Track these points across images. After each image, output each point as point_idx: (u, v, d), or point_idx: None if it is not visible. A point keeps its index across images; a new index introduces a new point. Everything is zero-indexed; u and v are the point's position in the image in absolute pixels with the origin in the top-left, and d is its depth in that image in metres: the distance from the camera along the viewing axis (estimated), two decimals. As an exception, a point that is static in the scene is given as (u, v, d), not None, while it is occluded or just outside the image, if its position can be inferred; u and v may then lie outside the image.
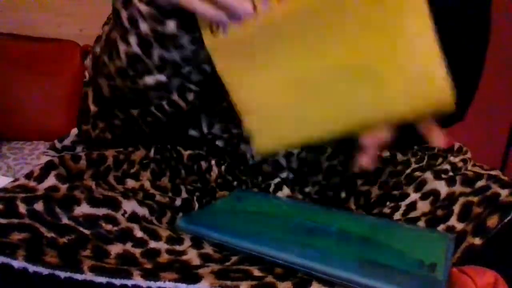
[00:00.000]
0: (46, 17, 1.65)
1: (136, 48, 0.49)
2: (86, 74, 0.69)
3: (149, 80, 0.52)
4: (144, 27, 0.48)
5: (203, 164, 0.60)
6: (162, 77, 0.51)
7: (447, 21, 0.60)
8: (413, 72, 0.37)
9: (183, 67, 0.52)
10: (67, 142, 0.60)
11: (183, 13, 0.44)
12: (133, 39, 0.49)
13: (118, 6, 0.50)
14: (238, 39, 0.42)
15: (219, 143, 0.58)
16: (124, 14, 0.49)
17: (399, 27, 0.37)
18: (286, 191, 0.56)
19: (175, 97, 0.54)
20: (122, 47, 0.50)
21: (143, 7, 0.47)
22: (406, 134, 0.63)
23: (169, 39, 0.49)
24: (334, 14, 0.38)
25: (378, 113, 0.40)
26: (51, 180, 0.45)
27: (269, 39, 0.42)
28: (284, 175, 0.57)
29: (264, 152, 0.47)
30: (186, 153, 0.61)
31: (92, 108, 0.60)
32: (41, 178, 0.45)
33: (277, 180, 0.56)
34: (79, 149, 0.61)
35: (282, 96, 0.43)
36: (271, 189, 0.56)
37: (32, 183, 0.45)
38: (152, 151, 0.59)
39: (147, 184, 0.53)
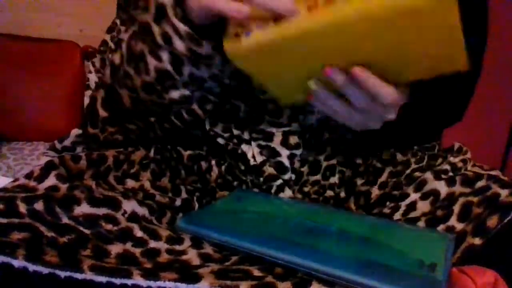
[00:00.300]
0: (46, 17, 1.64)
1: (167, 65, 0.49)
2: (90, 77, 0.69)
3: (175, 94, 0.52)
4: (179, 45, 0.47)
5: (203, 164, 0.60)
6: (186, 92, 0.52)
7: None
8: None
9: (207, 82, 0.52)
10: (67, 142, 0.60)
11: (219, 33, 0.44)
12: (165, 56, 0.49)
13: (147, 20, 0.49)
14: (261, 45, 0.42)
15: (220, 140, 0.58)
16: (156, 30, 0.48)
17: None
18: (288, 192, 0.56)
19: (194, 107, 0.54)
20: (152, 62, 0.50)
21: (181, 26, 0.46)
22: (406, 134, 0.63)
23: (203, 58, 0.49)
24: (368, 30, 0.39)
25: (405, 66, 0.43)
26: (51, 180, 0.45)
27: (297, 47, 0.41)
28: (286, 176, 0.57)
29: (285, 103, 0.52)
30: (186, 153, 0.61)
31: (101, 112, 0.59)
32: (41, 178, 0.45)
33: (279, 181, 0.56)
34: (79, 149, 0.61)
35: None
36: (272, 191, 0.56)
37: (32, 183, 0.45)
38: (152, 151, 0.59)
39: (147, 184, 0.53)
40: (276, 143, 0.56)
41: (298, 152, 0.56)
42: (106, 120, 0.59)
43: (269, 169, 0.56)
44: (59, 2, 1.64)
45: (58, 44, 1.59)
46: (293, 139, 0.56)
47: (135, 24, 0.53)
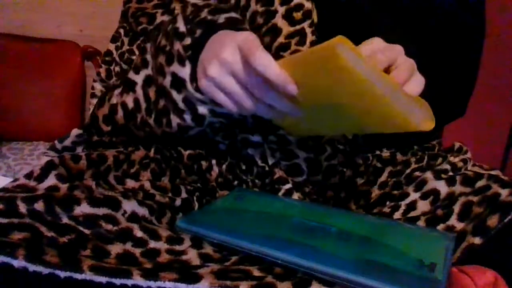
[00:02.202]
0: (46, 17, 1.64)
1: (190, 123, 0.52)
2: (95, 85, 0.69)
3: (191, 133, 0.55)
4: (202, 109, 0.50)
5: (203, 163, 0.60)
6: (201, 128, 0.54)
7: (443, 18, 0.61)
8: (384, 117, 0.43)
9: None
10: (67, 142, 0.60)
11: None
12: (188, 117, 0.51)
13: (163, 84, 0.51)
14: None
15: (221, 146, 0.59)
16: (177, 97, 0.50)
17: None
18: (295, 196, 0.56)
19: (206, 131, 0.57)
20: (175, 120, 0.52)
21: (202, 96, 0.49)
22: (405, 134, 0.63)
23: (224, 115, 0.51)
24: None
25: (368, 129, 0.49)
26: (51, 180, 0.45)
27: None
28: (299, 179, 0.56)
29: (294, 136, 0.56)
30: (186, 152, 0.61)
31: (105, 127, 0.60)
32: (41, 178, 0.45)
33: (288, 185, 0.56)
34: (79, 149, 0.61)
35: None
36: (280, 193, 0.55)
37: (32, 183, 0.45)
38: (152, 151, 0.59)
39: (147, 184, 0.53)
40: (293, 145, 0.56)
41: (312, 155, 0.56)
42: (111, 132, 0.60)
43: (279, 172, 0.56)
44: (59, 2, 1.63)
45: (58, 44, 1.59)
46: (311, 141, 0.56)
47: (147, 66, 0.55)
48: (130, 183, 0.52)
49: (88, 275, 0.35)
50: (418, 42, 0.56)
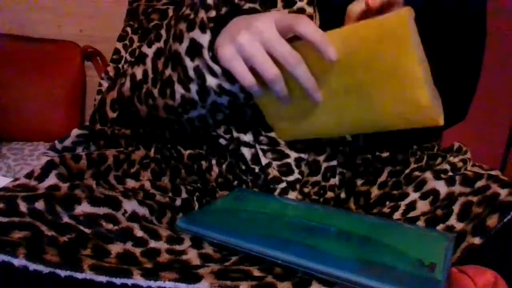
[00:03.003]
0: (46, 17, 1.64)
1: (194, 95, 0.51)
2: (102, 82, 0.70)
3: (192, 114, 0.54)
4: (211, 81, 0.50)
5: (203, 163, 0.60)
6: (203, 111, 0.54)
7: (444, 20, 0.61)
8: (402, 99, 0.44)
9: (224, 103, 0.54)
10: (67, 143, 0.60)
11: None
12: (194, 87, 0.51)
13: (178, 50, 0.51)
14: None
15: (221, 141, 0.59)
16: (189, 64, 0.50)
17: (394, 67, 0.43)
18: (292, 195, 0.56)
19: (207, 116, 0.56)
20: (179, 90, 0.52)
21: (215, 66, 0.48)
22: (405, 134, 0.63)
23: (230, 93, 0.51)
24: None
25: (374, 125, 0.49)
26: (52, 179, 0.45)
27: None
28: (291, 178, 0.56)
29: (285, 139, 0.56)
30: (186, 152, 0.61)
31: (111, 114, 0.61)
32: (41, 178, 0.45)
33: (283, 184, 0.56)
34: (79, 149, 0.61)
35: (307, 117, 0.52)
36: (276, 193, 0.56)
37: (33, 183, 0.45)
38: (152, 150, 0.59)
39: (147, 184, 0.53)
40: (283, 146, 0.56)
41: (305, 156, 0.56)
42: (115, 120, 0.60)
43: (273, 172, 0.56)
44: (59, 2, 1.63)
45: (58, 44, 1.59)
46: (300, 144, 0.56)
47: (160, 40, 0.55)
48: (130, 183, 0.52)
49: (88, 275, 0.35)
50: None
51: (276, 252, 0.40)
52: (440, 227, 0.49)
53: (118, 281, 0.35)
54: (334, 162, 0.56)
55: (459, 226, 0.48)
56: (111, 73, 0.69)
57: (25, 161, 1.39)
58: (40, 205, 0.40)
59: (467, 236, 0.46)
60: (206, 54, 0.48)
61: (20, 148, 1.46)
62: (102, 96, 0.62)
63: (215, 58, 0.48)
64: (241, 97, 0.52)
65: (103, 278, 0.35)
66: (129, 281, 0.35)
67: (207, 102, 0.52)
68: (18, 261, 0.34)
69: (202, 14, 0.50)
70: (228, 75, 0.48)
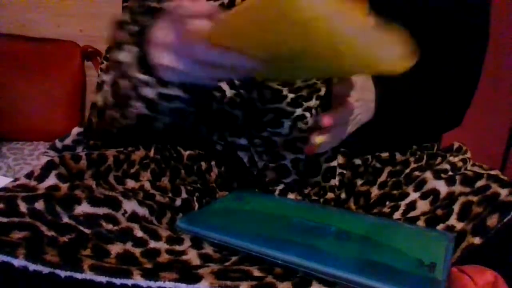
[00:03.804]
0: (46, 17, 1.65)
1: (144, 110, 0.52)
2: (101, 74, 0.69)
3: (156, 124, 0.55)
4: (148, 92, 0.50)
5: (203, 164, 0.60)
6: (169, 120, 0.54)
7: (442, 20, 0.60)
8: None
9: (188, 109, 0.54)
10: (68, 141, 0.60)
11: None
12: (139, 104, 0.51)
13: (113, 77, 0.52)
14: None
15: (218, 147, 0.59)
16: (123, 83, 0.51)
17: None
18: (291, 197, 0.56)
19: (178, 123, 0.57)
20: (132, 110, 0.52)
21: (143, 77, 0.49)
22: (405, 134, 0.63)
23: (174, 98, 0.51)
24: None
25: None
26: (51, 180, 0.45)
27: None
28: (288, 180, 0.56)
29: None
30: (186, 153, 0.61)
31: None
32: (41, 178, 0.45)
33: (281, 186, 0.56)
34: (79, 148, 0.61)
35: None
36: (275, 194, 0.56)
37: (32, 183, 0.45)
38: (152, 151, 0.59)
39: (147, 185, 0.53)
40: (279, 147, 0.56)
41: (302, 156, 0.56)
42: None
43: (271, 174, 0.56)
44: (59, 2, 1.64)
45: (58, 44, 1.59)
46: (298, 144, 0.56)
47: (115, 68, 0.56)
48: (130, 183, 0.52)
49: (88, 275, 0.35)
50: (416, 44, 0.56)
51: (276, 252, 0.40)
52: (440, 227, 0.49)
53: (118, 281, 0.35)
54: (334, 163, 0.56)
55: (459, 225, 0.48)
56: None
57: (25, 161, 1.39)
58: (40, 205, 0.40)
59: (467, 236, 0.46)
60: (131, 70, 0.49)
61: (20, 148, 1.46)
62: (89, 115, 0.63)
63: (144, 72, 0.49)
64: (183, 99, 0.51)
65: (103, 279, 0.35)
66: (129, 282, 0.35)
67: (160, 111, 0.52)
68: (18, 262, 0.34)
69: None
70: (158, 82, 0.49)
